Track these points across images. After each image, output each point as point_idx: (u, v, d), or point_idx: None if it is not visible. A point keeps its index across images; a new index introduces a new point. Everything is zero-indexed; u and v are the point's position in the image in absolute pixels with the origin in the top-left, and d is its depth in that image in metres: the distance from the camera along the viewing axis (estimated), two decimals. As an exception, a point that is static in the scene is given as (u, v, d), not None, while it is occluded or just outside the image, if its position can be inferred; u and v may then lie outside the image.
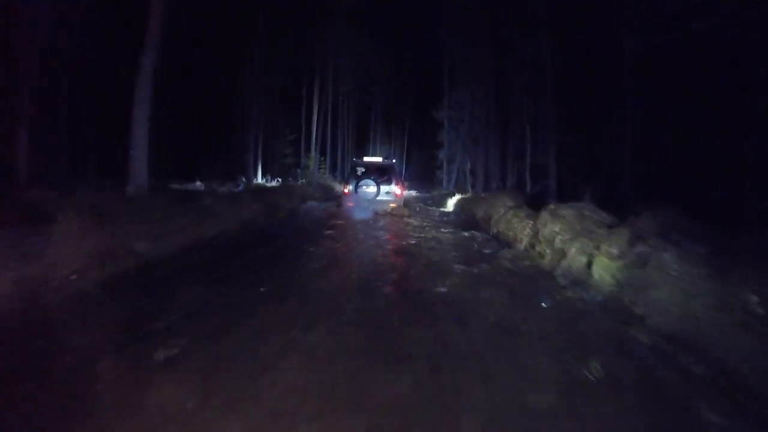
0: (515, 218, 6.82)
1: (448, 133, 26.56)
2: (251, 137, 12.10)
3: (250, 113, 12.22)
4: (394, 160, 11.76)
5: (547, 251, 5.41)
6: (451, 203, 13.34)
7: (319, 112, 24.65)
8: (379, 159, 11.23)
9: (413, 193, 26.82)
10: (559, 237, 5.42)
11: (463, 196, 14.23)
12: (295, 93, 21.45)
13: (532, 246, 6.01)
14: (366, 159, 10.99)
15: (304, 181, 17.31)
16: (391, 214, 9.41)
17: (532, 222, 6.31)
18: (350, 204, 9.62)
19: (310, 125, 18.09)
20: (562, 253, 5.17)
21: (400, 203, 9.75)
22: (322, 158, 23.44)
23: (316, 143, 17.76)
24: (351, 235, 6.49)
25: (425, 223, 8.77)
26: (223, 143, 14.89)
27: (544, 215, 6.04)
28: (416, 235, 7.19)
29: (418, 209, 11.96)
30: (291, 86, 21.55)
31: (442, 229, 7.91)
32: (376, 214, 9.51)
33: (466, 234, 7.40)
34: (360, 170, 9.97)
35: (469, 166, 25.00)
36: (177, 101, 14.64)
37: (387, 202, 9.56)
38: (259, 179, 13.58)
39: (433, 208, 16.28)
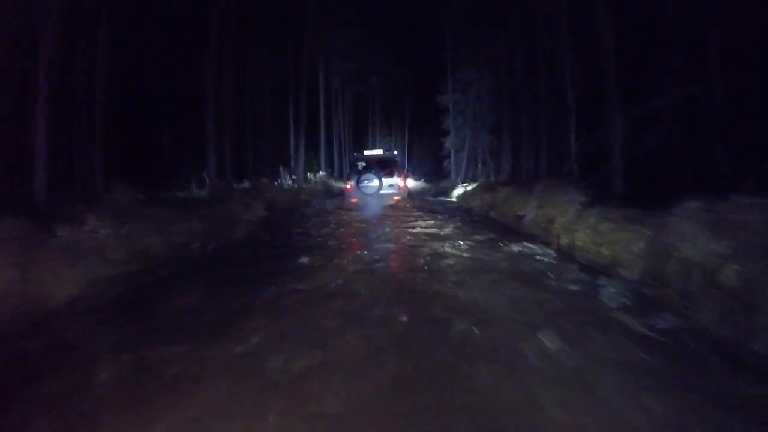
0: (606, 224, 4.13)
1: (454, 119, 23.95)
2: (210, 134, 9.46)
3: (206, 104, 9.58)
4: (395, 152, 11.35)
5: (723, 300, 2.73)
6: (467, 197, 10.68)
7: (312, 103, 22.06)
8: (379, 152, 10.80)
9: (421, 183, 24.23)
10: (734, 267, 2.75)
11: (481, 186, 11.56)
12: (286, 87, 18.95)
13: (657, 279, 3.34)
14: (366, 153, 10.51)
15: (291, 181, 14.64)
16: (400, 218, 7.01)
17: (649, 232, 3.63)
18: (353, 200, 9.20)
19: (299, 118, 15.36)
20: (753, 302, 2.52)
21: (404, 195, 9.44)
22: (313, 153, 20.71)
23: (303, 133, 15.00)
24: (335, 281, 3.68)
25: (446, 229, 6.10)
26: (194, 144, 12.25)
27: (679, 222, 3.36)
28: (441, 252, 4.56)
29: (430, 208, 9.29)
30: (282, 80, 19.11)
31: (473, 240, 5.23)
32: (380, 219, 7.24)
33: (515, 248, 4.72)
34: (360, 165, 9.50)
35: (480, 153, 22.34)
36: (144, 102, 12.11)
37: (390, 195, 9.19)
38: (230, 181, 10.93)
39: (443, 199, 13.69)
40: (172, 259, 4.26)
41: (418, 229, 6.19)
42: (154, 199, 6.46)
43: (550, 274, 3.78)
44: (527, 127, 11.31)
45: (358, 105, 33.53)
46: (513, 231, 5.75)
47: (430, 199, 13.31)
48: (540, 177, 10.24)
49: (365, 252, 4.77)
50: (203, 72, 10.33)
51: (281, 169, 14.34)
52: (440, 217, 7.73)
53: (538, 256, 4.40)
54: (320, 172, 20.65)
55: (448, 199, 14.13)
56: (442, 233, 5.91)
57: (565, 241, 4.64)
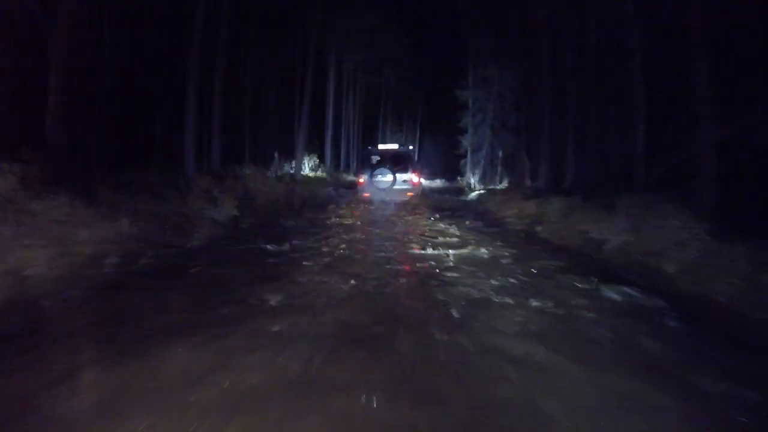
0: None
1: (473, 116, 22.18)
2: (190, 105, 7.81)
3: (188, 78, 7.95)
4: (410, 147, 11.22)
5: None
6: (498, 204, 8.95)
7: (319, 91, 20.39)
8: (394, 146, 10.62)
9: (433, 183, 22.60)
10: None
11: (515, 192, 9.85)
12: (293, 72, 17.39)
13: None
14: (381, 147, 10.37)
15: (290, 171, 12.95)
16: (416, 227, 5.41)
17: None
18: (365, 194, 9.03)
19: (301, 102, 13.60)
20: None
21: (417, 192, 9.36)
22: (317, 142, 18.93)
23: (304, 118, 13.22)
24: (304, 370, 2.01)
25: (485, 249, 4.35)
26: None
27: None
28: (490, 298, 2.84)
29: (452, 215, 7.55)
30: (284, 67, 17.60)
31: (533, 272, 3.51)
32: (391, 224, 5.71)
33: (611, 295, 3.01)
34: (375, 159, 9.38)
35: (500, 154, 20.60)
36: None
37: (404, 191, 9.00)
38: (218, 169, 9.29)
39: (463, 200, 12.01)
40: (45, 294, 2.53)
41: (443, 250, 4.49)
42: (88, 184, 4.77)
43: (703, 366, 2.07)
44: (570, 126, 9.49)
45: (370, 97, 31.79)
46: (589, 263, 3.99)
47: (449, 202, 11.59)
48: (584, 185, 8.49)
49: (365, 290, 3.08)
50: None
51: (276, 156, 12.61)
52: (468, 227, 6.02)
53: (656, 317, 2.68)
54: (326, 163, 18.92)
55: (467, 201, 12.42)
56: (481, 255, 4.19)
57: (688, 288, 2.93)
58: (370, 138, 30.49)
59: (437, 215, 7.31)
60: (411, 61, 30.69)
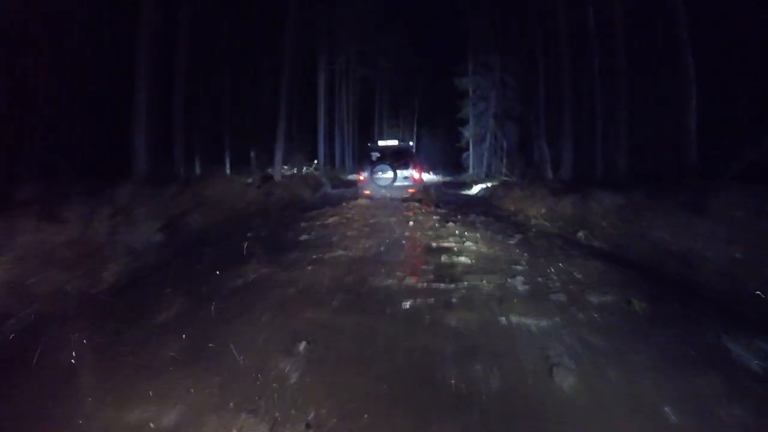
0: None
1: (474, 105, 20.82)
2: (141, 93, 6.47)
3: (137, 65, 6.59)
4: (411, 143, 10.87)
5: None
6: (516, 200, 7.69)
7: (310, 86, 19.08)
8: (394, 142, 10.26)
9: (434, 177, 21.33)
10: None
11: (539, 185, 8.59)
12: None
13: None
14: (381, 143, 10.07)
15: (270, 170, 11.56)
16: (423, 236, 4.13)
17: None
18: (366, 192, 8.74)
19: (279, 91, 12.05)
20: None
21: (419, 188, 9.06)
22: (306, 137, 17.49)
23: (284, 107, 11.59)
24: None
25: (520, 273, 3.07)
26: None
27: None
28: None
29: (464, 219, 6.20)
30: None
31: (596, 309, 2.25)
32: (389, 230, 4.36)
33: (754, 361, 1.76)
34: (375, 155, 9.13)
35: (505, 144, 19.31)
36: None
37: (405, 188, 8.82)
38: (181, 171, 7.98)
39: (468, 194, 10.77)
40: None
41: (459, 281, 3.22)
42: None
43: None
44: (598, 109, 8.11)
45: (365, 92, 30.22)
46: (689, 297, 2.66)
47: (455, 199, 10.37)
48: (623, 176, 7.18)
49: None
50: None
51: (253, 156, 11.22)
52: (486, 234, 4.70)
53: None
54: (316, 162, 17.55)
55: (475, 197, 11.17)
56: (514, 284, 2.90)
57: None
58: (366, 134, 29.05)
59: (445, 218, 5.98)
60: (407, 50, 29.19)
